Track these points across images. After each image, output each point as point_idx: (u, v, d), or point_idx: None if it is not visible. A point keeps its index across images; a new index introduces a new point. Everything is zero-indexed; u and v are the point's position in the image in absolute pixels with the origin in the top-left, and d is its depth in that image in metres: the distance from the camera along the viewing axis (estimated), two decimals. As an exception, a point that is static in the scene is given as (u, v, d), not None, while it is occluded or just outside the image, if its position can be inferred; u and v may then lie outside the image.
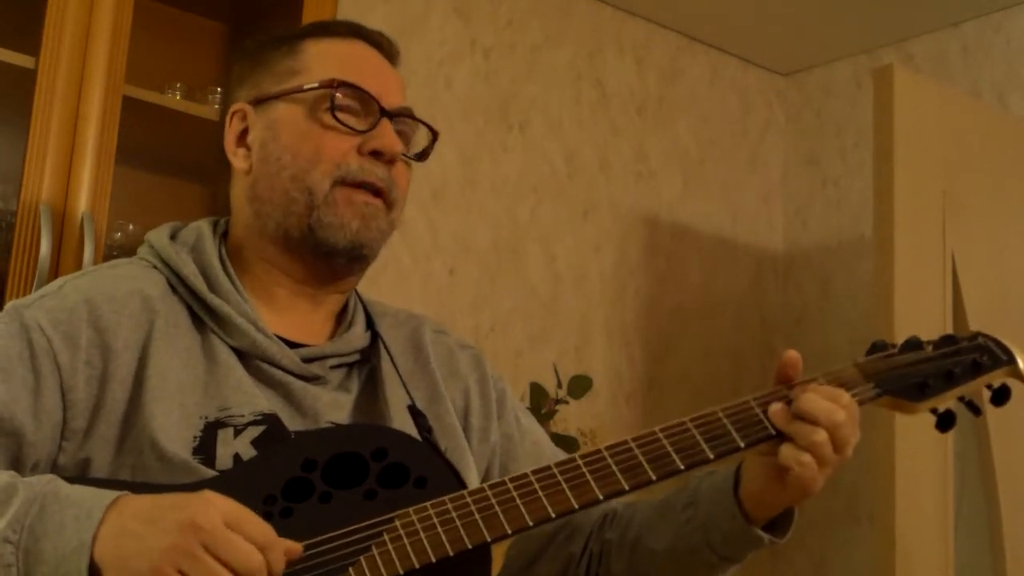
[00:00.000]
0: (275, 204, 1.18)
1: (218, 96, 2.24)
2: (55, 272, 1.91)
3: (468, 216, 3.00)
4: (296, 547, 0.94)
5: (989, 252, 2.82)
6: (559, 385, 2.77)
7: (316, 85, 1.18)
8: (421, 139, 1.27)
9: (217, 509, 0.89)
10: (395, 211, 1.21)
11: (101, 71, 1.99)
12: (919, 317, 2.59)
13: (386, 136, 1.18)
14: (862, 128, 3.44)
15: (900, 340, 1.10)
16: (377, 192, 1.18)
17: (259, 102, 1.21)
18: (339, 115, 1.18)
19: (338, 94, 1.18)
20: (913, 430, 2.43)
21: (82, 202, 1.95)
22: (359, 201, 1.17)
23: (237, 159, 1.22)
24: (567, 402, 2.78)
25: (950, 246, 2.71)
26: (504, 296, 3.05)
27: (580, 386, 2.79)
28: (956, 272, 2.72)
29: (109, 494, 0.92)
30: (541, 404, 2.75)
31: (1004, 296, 2.85)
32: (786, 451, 1.08)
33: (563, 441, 2.69)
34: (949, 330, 2.65)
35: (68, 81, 1.96)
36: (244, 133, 1.22)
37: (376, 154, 1.18)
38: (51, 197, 1.93)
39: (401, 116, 1.23)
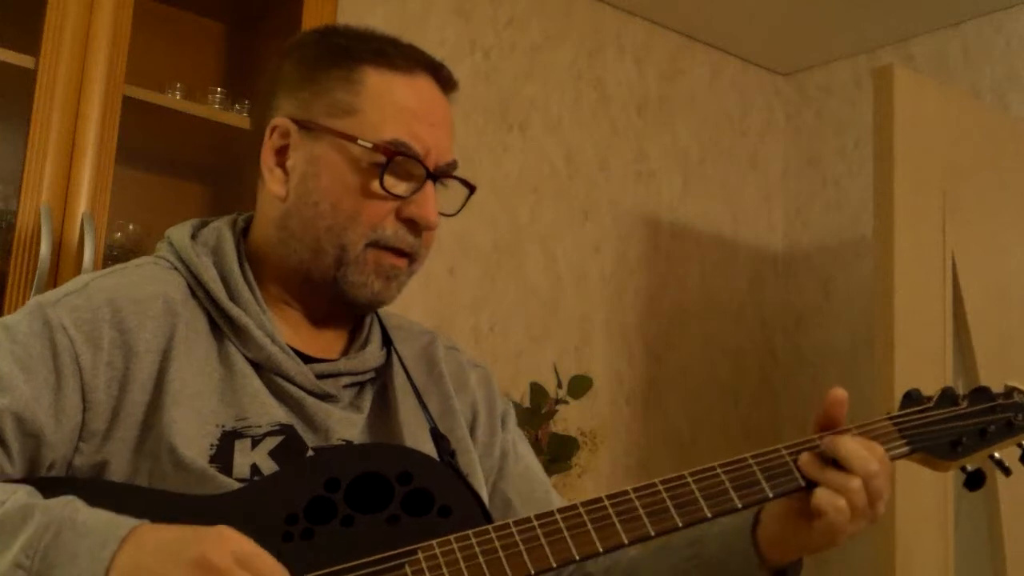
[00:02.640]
0: (305, 245, 1.16)
1: (218, 96, 2.24)
2: (55, 272, 1.91)
3: (468, 216, 2.98)
4: None
5: (989, 252, 2.82)
6: (559, 385, 2.77)
7: (371, 146, 1.13)
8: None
9: (229, 547, 0.88)
10: (416, 264, 1.21)
11: (101, 71, 1.99)
12: (919, 317, 2.59)
13: (425, 206, 1.16)
14: (862, 128, 3.44)
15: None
16: (405, 254, 1.18)
17: (306, 127, 1.16)
18: (387, 184, 1.14)
19: (392, 162, 1.14)
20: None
21: (82, 202, 1.95)
22: (387, 264, 1.16)
23: (273, 179, 1.17)
24: (567, 402, 2.78)
25: (950, 246, 2.71)
26: (504, 296, 3.05)
27: (580, 386, 2.79)
28: (956, 272, 2.72)
29: (126, 523, 0.91)
30: (541, 404, 2.75)
31: (1004, 296, 2.85)
32: (822, 494, 1.07)
33: (563, 441, 2.69)
34: (948, 330, 2.69)
35: (68, 81, 1.96)
36: (283, 150, 1.17)
37: (411, 222, 1.16)
38: (51, 197, 1.92)
39: (445, 177, 1.20)
